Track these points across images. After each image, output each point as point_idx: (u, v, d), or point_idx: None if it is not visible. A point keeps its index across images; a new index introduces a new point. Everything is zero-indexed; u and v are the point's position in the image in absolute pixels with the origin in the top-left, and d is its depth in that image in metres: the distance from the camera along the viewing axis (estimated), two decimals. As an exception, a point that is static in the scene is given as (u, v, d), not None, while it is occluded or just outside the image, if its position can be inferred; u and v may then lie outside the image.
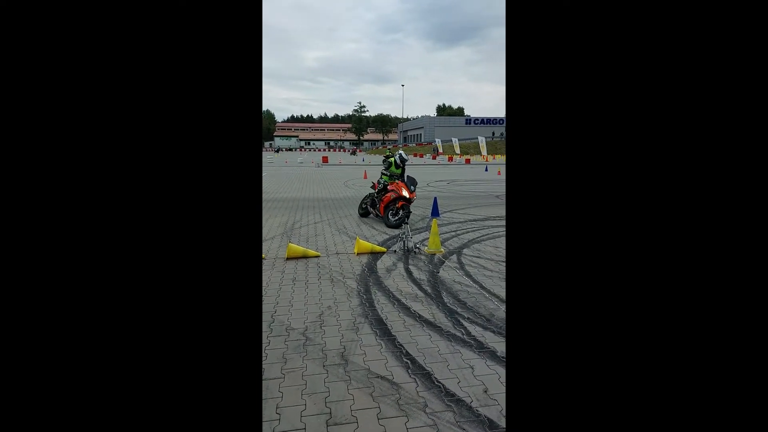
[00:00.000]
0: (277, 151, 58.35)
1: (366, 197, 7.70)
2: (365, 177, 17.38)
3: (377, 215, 7.13)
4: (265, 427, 1.92)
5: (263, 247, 5.36)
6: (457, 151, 44.69)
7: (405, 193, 6.72)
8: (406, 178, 7.07)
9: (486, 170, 23.46)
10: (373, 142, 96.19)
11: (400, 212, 6.73)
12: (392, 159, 7.46)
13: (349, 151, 69.76)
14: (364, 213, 7.60)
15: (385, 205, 6.78)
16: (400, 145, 68.03)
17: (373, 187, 7.60)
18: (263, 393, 2.17)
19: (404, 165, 7.42)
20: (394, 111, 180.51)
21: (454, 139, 46.82)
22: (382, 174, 7.43)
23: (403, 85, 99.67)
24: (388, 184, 7.06)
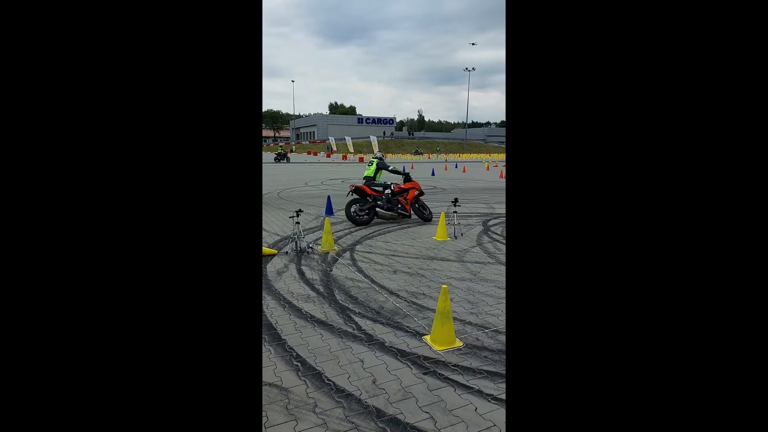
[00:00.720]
0: None
1: (352, 203, 6.74)
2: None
3: (403, 214, 7.03)
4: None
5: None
6: (351, 149, 45.29)
7: (421, 188, 7.22)
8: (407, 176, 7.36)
9: (378, 168, 24.17)
10: (264, 138, 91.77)
11: (427, 206, 7.22)
12: (380, 159, 7.76)
13: None
14: (366, 220, 6.66)
15: (412, 202, 7.02)
16: (293, 143, 66.26)
17: (363, 191, 6.80)
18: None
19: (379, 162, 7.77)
20: (284, 107, 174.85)
21: (347, 138, 47.31)
22: (379, 174, 7.55)
23: (293, 81, 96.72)
24: (394, 185, 7.08)
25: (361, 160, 34.69)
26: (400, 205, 6.99)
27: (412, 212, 7.06)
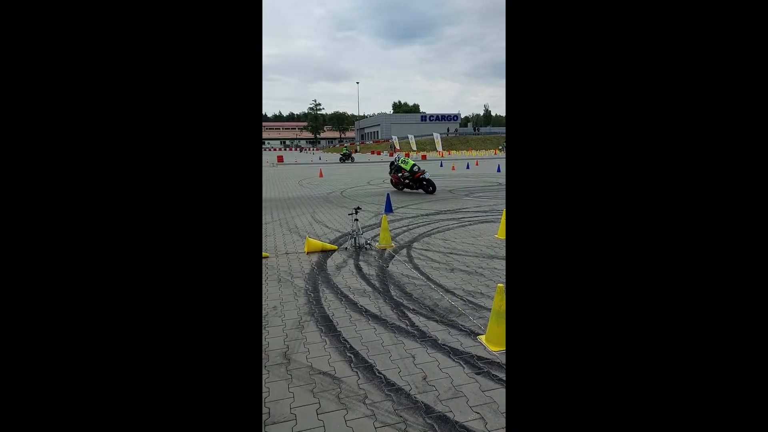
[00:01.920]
0: None
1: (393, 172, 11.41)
2: (321, 176, 17.20)
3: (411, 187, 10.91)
4: None
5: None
6: (414, 147, 45.28)
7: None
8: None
9: (441, 165, 23.94)
10: (330, 140, 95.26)
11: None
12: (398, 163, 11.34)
13: (297, 149, 69.33)
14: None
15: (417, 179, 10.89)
16: (358, 143, 67.87)
17: (394, 180, 11.33)
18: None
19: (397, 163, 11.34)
20: (350, 109, 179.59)
21: (410, 136, 47.37)
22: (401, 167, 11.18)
23: (358, 83, 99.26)
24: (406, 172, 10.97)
25: (424, 157, 34.53)
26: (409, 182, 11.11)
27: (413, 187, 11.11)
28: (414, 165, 11.03)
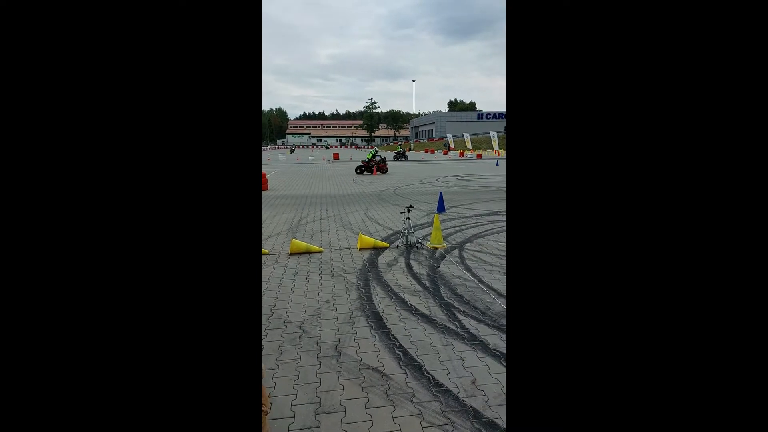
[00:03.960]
0: (292, 150, 58.00)
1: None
2: (374, 173, 17.42)
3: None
4: (256, 414, 2.00)
5: (268, 243, 5.46)
6: (469, 146, 44.34)
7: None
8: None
9: (497, 165, 23.24)
10: (385, 138, 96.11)
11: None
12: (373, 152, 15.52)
13: (351, 146, 71.15)
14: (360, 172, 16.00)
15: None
16: (412, 141, 67.73)
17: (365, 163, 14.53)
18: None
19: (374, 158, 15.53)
20: (405, 107, 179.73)
21: (465, 134, 46.46)
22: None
23: (414, 81, 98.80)
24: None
25: (479, 156, 33.69)
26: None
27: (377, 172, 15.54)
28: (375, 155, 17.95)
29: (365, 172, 17.44)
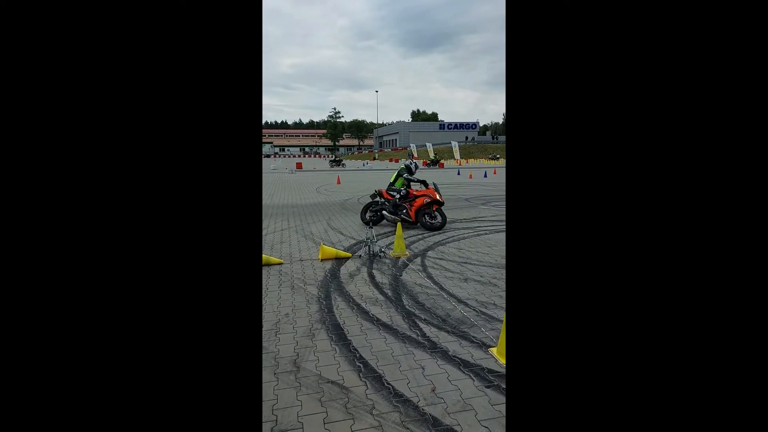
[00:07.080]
0: None
1: (371, 204, 7.37)
2: (338, 182, 17.34)
3: (406, 220, 6.90)
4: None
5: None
6: (431, 155, 45.24)
7: (438, 197, 6.83)
8: (433, 184, 7.10)
9: (458, 174, 23.83)
10: (348, 147, 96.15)
11: (437, 215, 6.86)
12: (406, 166, 7.55)
13: (315, 155, 70.88)
14: (375, 220, 7.15)
15: (417, 210, 6.80)
16: (376, 151, 68.19)
17: (381, 194, 7.29)
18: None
19: (416, 171, 7.62)
20: (369, 117, 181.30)
21: (428, 144, 47.34)
22: (399, 180, 7.32)
23: (377, 91, 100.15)
24: (409, 191, 7.07)
25: (441, 166, 34.42)
26: (405, 211, 6.93)
27: (416, 219, 6.85)
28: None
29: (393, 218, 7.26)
